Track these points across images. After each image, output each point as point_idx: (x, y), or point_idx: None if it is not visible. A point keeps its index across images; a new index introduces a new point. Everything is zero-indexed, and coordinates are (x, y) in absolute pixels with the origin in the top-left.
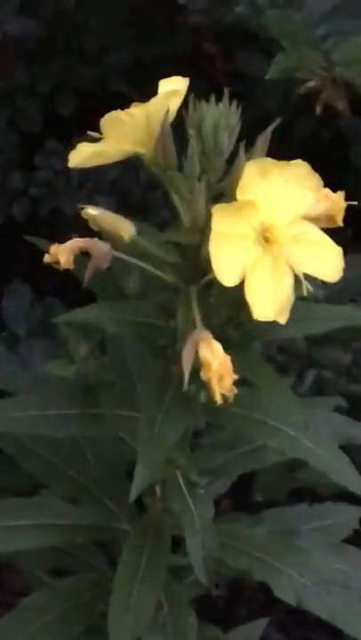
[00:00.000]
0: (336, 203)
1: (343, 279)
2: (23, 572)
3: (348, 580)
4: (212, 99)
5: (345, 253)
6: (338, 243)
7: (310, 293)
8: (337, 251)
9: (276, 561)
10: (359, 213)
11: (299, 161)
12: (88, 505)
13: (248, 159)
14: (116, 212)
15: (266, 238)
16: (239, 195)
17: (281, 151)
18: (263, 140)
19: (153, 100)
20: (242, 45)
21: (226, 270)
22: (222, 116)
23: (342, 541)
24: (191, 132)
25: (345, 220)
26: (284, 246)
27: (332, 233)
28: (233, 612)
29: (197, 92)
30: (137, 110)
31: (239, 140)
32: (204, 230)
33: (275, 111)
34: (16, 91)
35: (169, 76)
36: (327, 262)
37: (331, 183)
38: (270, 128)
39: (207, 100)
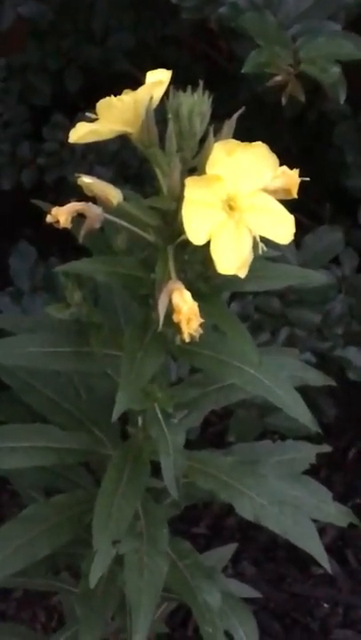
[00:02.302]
0: (292, 178)
1: (317, 248)
2: (20, 494)
3: (300, 503)
4: (188, 89)
5: (321, 224)
6: (319, 216)
7: (284, 257)
8: (289, 218)
9: (239, 484)
10: (339, 190)
11: (259, 143)
12: (78, 432)
13: (217, 140)
14: (115, 181)
15: (230, 206)
16: (208, 169)
17: (270, 130)
18: (229, 125)
19: (140, 89)
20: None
21: (195, 231)
22: (196, 103)
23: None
24: (170, 116)
25: (325, 194)
26: (244, 213)
27: (315, 207)
28: (212, 548)
29: (197, 72)
30: (127, 97)
31: (233, 113)
32: (179, 198)
33: (264, 92)
34: (27, 67)
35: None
36: (280, 228)
37: (315, 160)
38: (236, 115)
39: (208, 82)
